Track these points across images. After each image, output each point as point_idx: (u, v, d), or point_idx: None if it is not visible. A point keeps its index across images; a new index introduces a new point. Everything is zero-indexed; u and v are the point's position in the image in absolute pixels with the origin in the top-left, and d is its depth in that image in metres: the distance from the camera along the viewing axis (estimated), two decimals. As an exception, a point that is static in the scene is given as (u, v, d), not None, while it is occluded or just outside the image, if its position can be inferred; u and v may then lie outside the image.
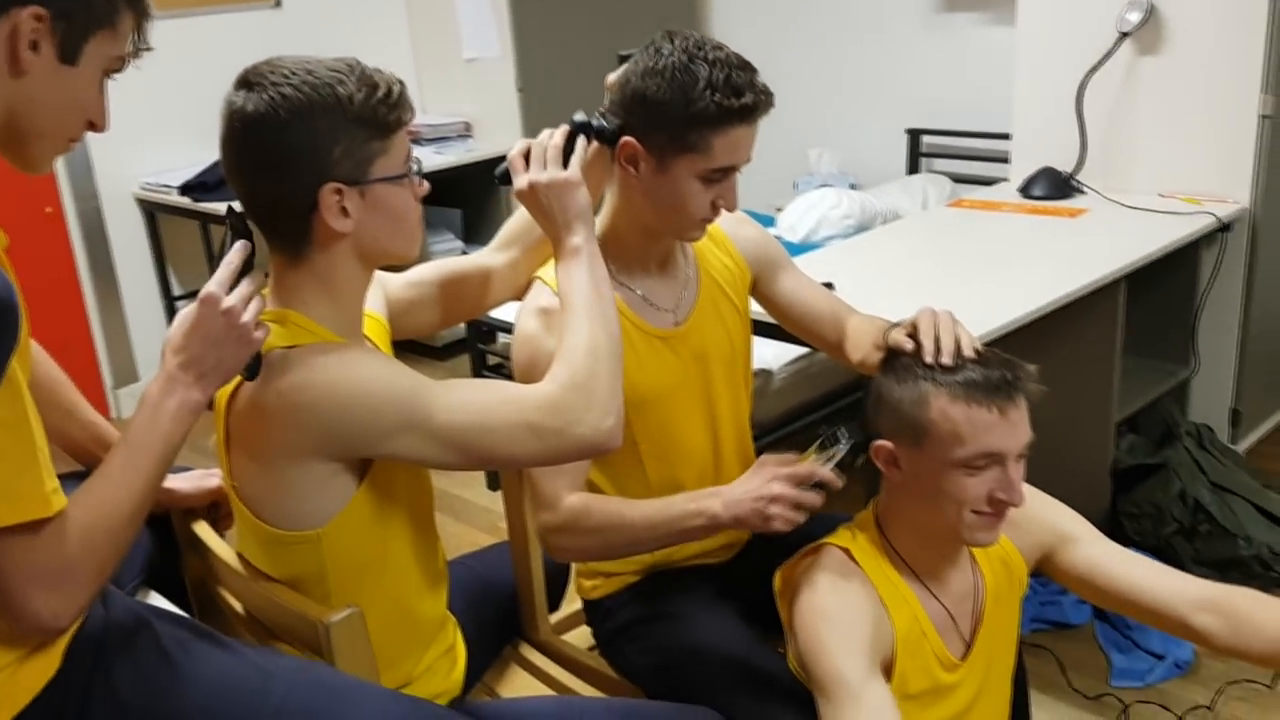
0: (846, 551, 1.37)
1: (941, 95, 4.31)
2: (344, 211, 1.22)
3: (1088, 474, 2.87)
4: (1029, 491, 1.46)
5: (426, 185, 1.32)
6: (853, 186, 4.33)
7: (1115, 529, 2.81)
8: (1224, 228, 2.89)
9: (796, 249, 3.49)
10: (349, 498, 1.25)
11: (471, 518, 3.27)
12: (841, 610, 1.31)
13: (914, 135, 4.44)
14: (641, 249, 1.57)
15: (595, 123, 1.43)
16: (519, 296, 1.57)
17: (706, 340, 1.62)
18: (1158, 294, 3.06)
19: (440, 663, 1.42)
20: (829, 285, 2.01)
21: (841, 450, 1.36)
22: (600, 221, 1.56)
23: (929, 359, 1.32)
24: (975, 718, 1.41)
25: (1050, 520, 1.47)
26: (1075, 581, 1.44)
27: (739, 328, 1.68)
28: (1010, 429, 1.29)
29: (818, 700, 1.30)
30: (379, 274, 1.46)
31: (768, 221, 4.04)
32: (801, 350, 2.87)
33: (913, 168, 4.47)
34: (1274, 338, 3.15)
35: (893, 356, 1.37)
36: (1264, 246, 2.97)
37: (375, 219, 1.24)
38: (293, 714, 1.11)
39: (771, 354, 2.92)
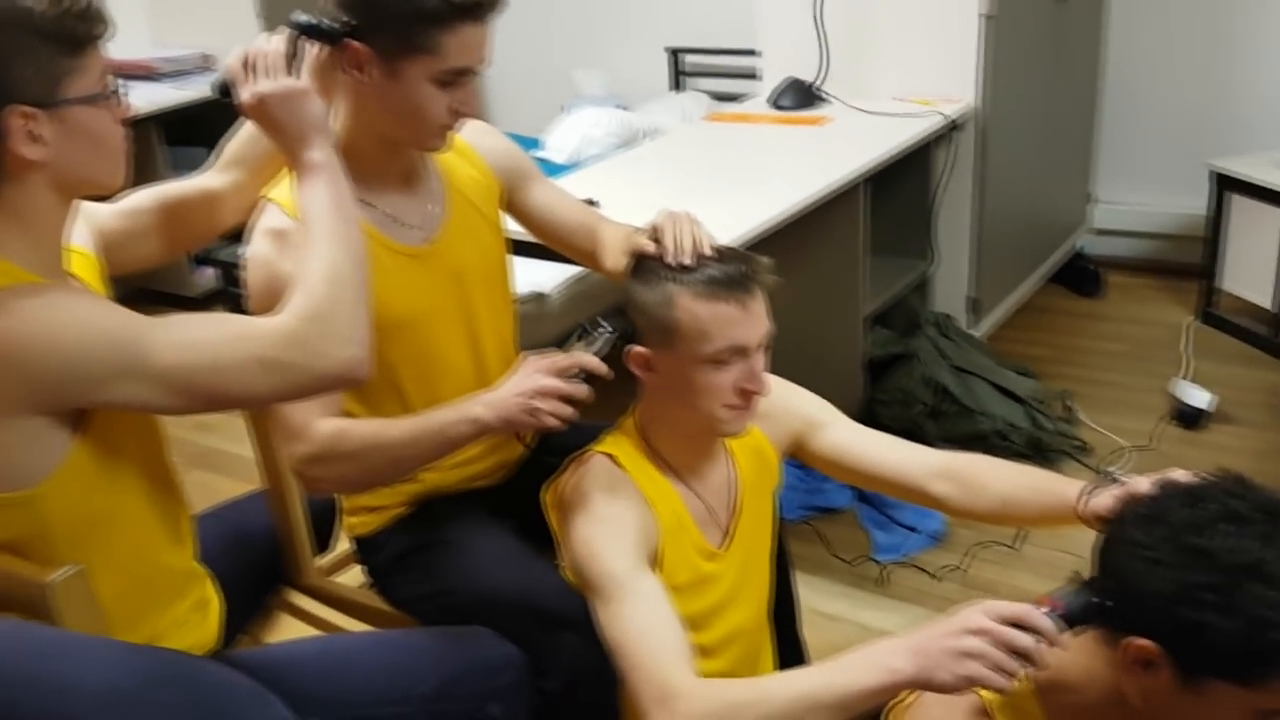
0: (611, 457, 1.39)
1: (700, 14, 4.38)
2: (35, 138, 1.10)
3: (842, 367, 3.03)
4: (778, 383, 1.52)
5: (130, 106, 1.21)
6: (620, 107, 4.34)
7: (870, 416, 2.98)
8: (953, 126, 3.07)
9: (562, 169, 3.47)
10: (65, 453, 1.14)
11: (239, 471, 3.11)
12: (610, 514, 1.33)
13: (675, 54, 4.49)
14: (381, 163, 1.50)
15: (319, 23, 1.34)
16: (248, 220, 1.47)
17: (461, 256, 1.58)
18: (897, 194, 3.23)
19: (191, 616, 1.34)
20: (592, 202, 2.00)
21: (602, 337, 1.35)
22: (335, 137, 1.48)
23: (671, 260, 1.34)
24: (738, 603, 1.47)
25: (798, 408, 1.53)
26: (825, 463, 1.52)
27: (493, 242, 1.65)
28: (751, 321, 1.33)
29: (592, 603, 1.31)
30: (85, 205, 1.33)
31: (533, 144, 3.99)
32: (575, 271, 2.86)
33: (675, 86, 4.53)
34: (1005, 229, 3.40)
35: (639, 261, 1.38)
36: (991, 142, 3.18)
37: (72, 145, 1.13)
38: (8, 684, 1.01)
39: (545, 276, 2.90)
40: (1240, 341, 3.45)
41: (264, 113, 1.29)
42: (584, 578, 1.33)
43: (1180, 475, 1.06)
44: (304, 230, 1.27)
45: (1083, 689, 1.07)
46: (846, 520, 2.79)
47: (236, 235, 1.54)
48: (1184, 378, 3.15)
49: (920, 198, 3.27)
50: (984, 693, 1.10)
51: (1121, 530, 1.01)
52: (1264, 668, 0.90)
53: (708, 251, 1.35)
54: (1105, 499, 1.13)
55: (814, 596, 2.42)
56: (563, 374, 1.34)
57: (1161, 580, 0.94)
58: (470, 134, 1.59)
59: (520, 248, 1.95)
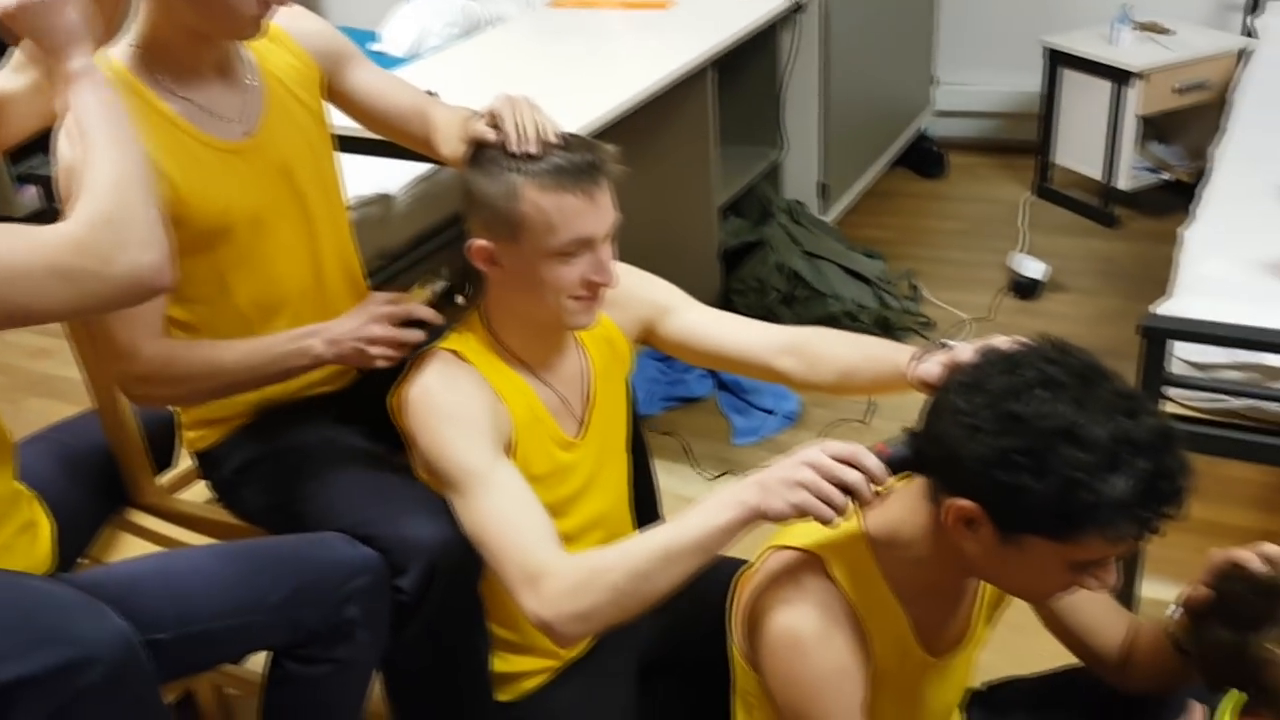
0: (455, 353, 1.36)
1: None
2: None
3: (698, 258, 3.05)
4: (625, 270, 1.50)
5: None
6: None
7: (727, 305, 3.02)
8: (797, 8, 3.06)
9: (400, 62, 3.32)
10: None
11: (77, 396, 2.95)
12: (457, 406, 1.30)
13: (512, -62, 4.30)
14: (192, 55, 1.40)
15: None
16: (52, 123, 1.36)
17: (285, 150, 1.50)
18: (745, 81, 3.22)
19: (16, 540, 1.27)
20: (432, 95, 1.92)
21: (440, 287, 1.40)
22: (139, 31, 1.39)
23: (513, 148, 1.29)
24: (596, 490, 1.48)
25: (647, 295, 1.53)
26: (675, 347, 1.52)
27: (317, 132, 1.57)
28: (598, 213, 1.30)
29: (450, 498, 1.30)
30: None
31: (368, 37, 3.80)
32: (422, 169, 2.77)
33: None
34: (851, 114, 3.44)
35: (478, 150, 1.33)
36: (835, 25, 3.18)
37: None
38: None
39: (389, 177, 2.81)
40: (1073, 213, 3.61)
41: (21, 22, 1.19)
42: (438, 474, 1.31)
43: (1001, 342, 1.10)
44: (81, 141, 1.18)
45: (915, 544, 1.13)
46: (708, 408, 2.85)
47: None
48: (1020, 251, 3.29)
49: (768, 85, 3.26)
50: (825, 554, 1.15)
51: (945, 398, 1.05)
52: (1075, 525, 0.95)
53: (552, 139, 1.31)
54: (932, 365, 1.17)
55: (676, 483, 2.47)
56: (398, 322, 1.38)
57: (980, 446, 0.97)
58: (285, 19, 1.49)
59: (360, 145, 1.88)
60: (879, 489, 1.07)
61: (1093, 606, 1.26)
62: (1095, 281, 3.21)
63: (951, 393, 1.03)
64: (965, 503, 1.01)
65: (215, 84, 1.44)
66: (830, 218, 3.43)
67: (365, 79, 1.62)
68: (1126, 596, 1.90)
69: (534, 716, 1.48)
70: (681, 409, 2.86)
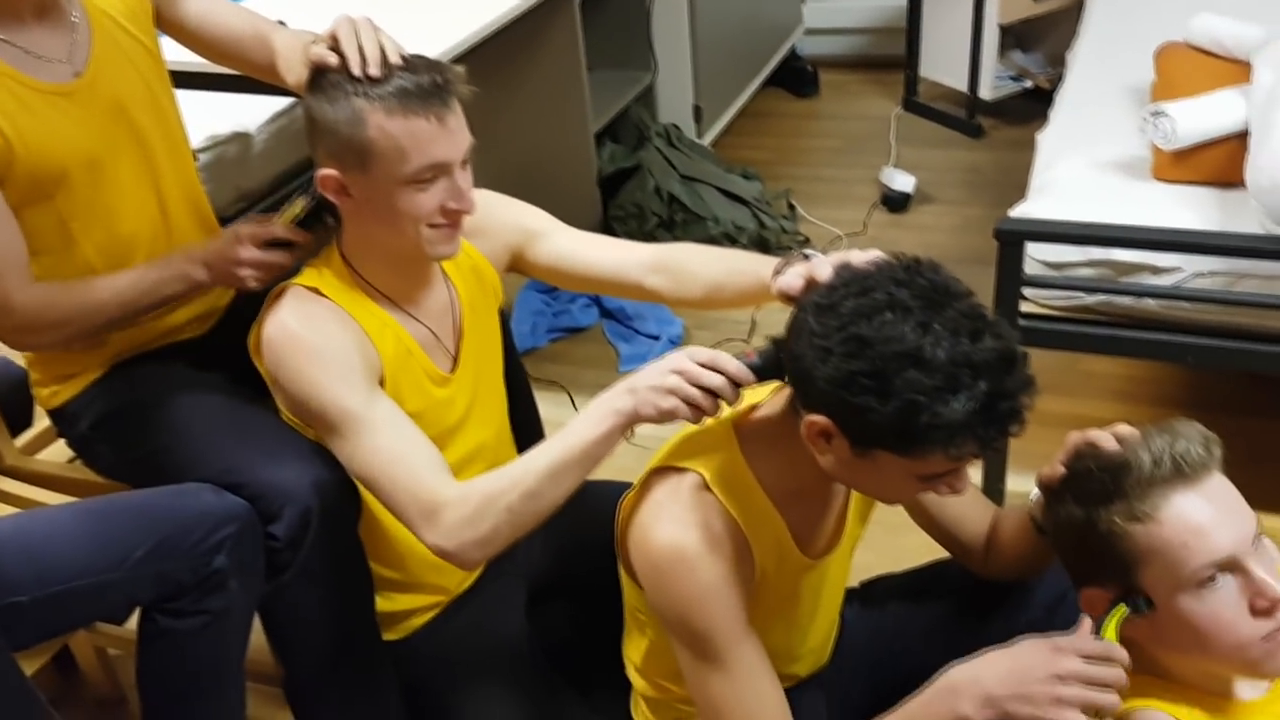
0: (314, 290, 1.32)
1: None
2: None
3: (577, 186, 3.03)
4: (489, 196, 1.48)
5: None
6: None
7: (607, 233, 2.98)
8: (660, -73, 3.02)
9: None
10: None
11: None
12: (321, 344, 1.27)
13: None
14: None
15: None
16: None
17: (118, 86, 1.43)
18: (612, 3, 3.17)
19: None
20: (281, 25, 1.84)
21: (304, 207, 1.35)
22: None
23: (355, 71, 1.24)
24: (474, 423, 1.47)
25: (513, 220, 1.50)
26: (547, 272, 1.51)
27: (152, 67, 1.49)
28: (450, 137, 1.26)
29: (328, 441, 1.28)
30: None
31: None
32: (281, 104, 2.66)
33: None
34: (722, 36, 3.42)
35: (319, 74, 1.27)
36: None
37: None
38: None
39: (246, 113, 2.69)
40: (940, 126, 3.68)
41: None
42: (311, 417, 1.29)
43: (857, 258, 1.12)
44: None
45: (786, 453, 1.16)
46: (594, 337, 2.84)
47: None
48: (890, 165, 3.34)
49: (636, 6, 3.22)
50: (702, 469, 1.17)
51: (801, 318, 1.08)
52: (917, 444, 0.99)
53: (395, 61, 1.26)
54: (793, 278, 1.19)
55: (563, 414, 2.47)
56: (262, 243, 1.36)
57: (830, 368, 1.01)
58: None
59: (213, 81, 1.79)
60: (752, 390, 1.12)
61: (957, 501, 1.31)
62: (962, 192, 3.29)
63: (807, 313, 1.06)
64: (820, 419, 1.04)
65: (35, 25, 1.36)
66: (706, 140, 3.43)
67: (196, 5, 1.54)
68: (995, 491, 1.99)
69: (424, 653, 1.48)
70: (568, 340, 2.85)
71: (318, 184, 1.29)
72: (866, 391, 0.99)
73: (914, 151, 3.51)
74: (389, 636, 1.48)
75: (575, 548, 1.47)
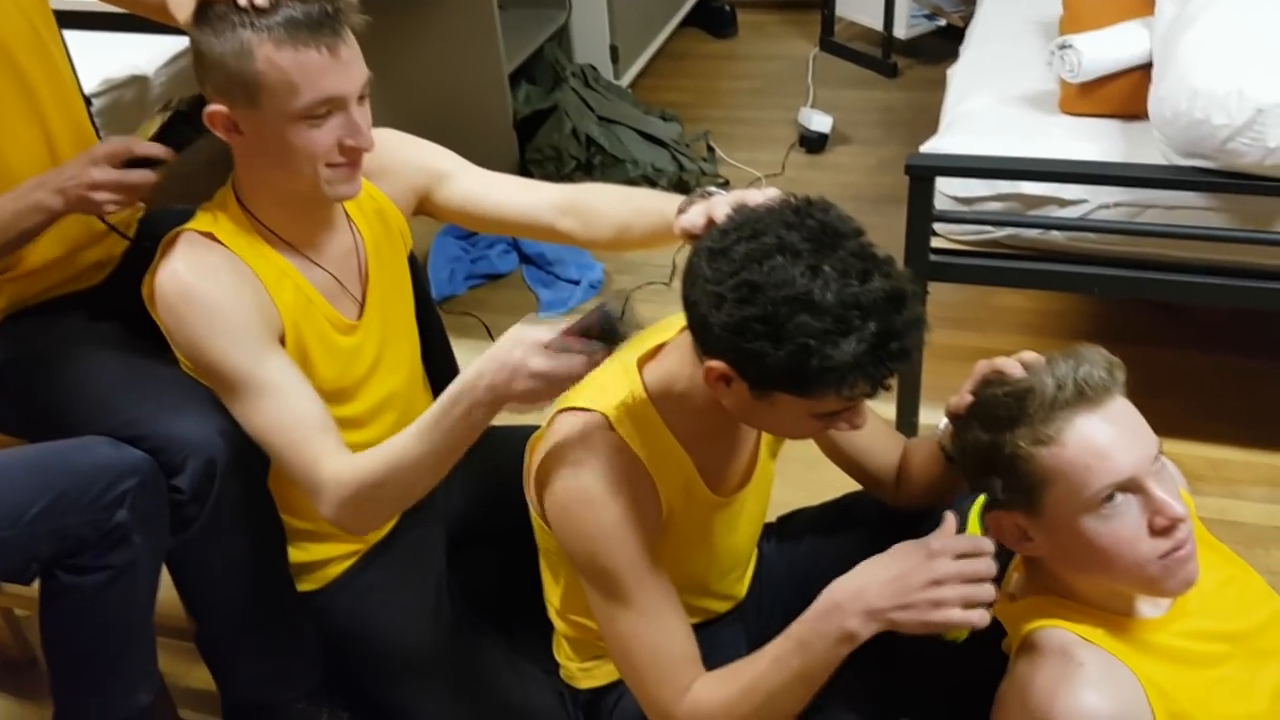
0: (209, 235, 1.27)
1: None
2: None
3: (492, 129, 2.97)
4: (393, 135, 1.44)
5: None
6: None
7: (525, 176, 2.95)
8: None
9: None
10: None
11: None
12: (214, 297, 1.23)
13: None
14: None
15: None
16: None
17: (1, 28, 1.35)
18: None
19: None
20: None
21: (167, 118, 1.30)
22: None
23: (242, 1, 1.18)
24: (384, 371, 1.44)
25: (419, 160, 1.46)
26: (455, 214, 1.47)
27: (36, 6, 1.43)
28: (343, 69, 1.21)
29: (221, 395, 1.25)
30: None
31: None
32: (179, 45, 2.57)
33: None
34: (636, -27, 3.37)
35: (204, 6, 1.21)
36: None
37: None
38: None
39: (142, 56, 2.59)
40: (856, 65, 3.68)
41: None
42: (202, 372, 1.25)
43: (754, 197, 1.12)
44: None
45: (690, 395, 1.16)
46: (514, 284, 2.81)
47: None
48: (808, 106, 3.34)
49: (549, -59, 3.16)
50: (607, 410, 1.17)
51: (695, 263, 1.07)
52: (812, 385, 1.01)
53: None
54: (695, 217, 1.18)
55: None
56: (120, 163, 1.26)
57: (724, 314, 1.01)
58: None
59: (104, 21, 1.71)
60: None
61: (864, 434, 1.32)
62: (878, 131, 3.30)
63: (700, 258, 1.06)
64: (719, 364, 1.05)
65: None
66: (624, 82, 3.39)
67: None
68: (909, 424, 2.02)
69: (340, 602, 1.47)
70: (487, 286, 2.82)
71: (205, 121, 1.23)
72: (760, 337, 1.00)
73: (831, 92, 3.51)
74: (305, 587, 1.46)
75: (493, 493, 1.45)
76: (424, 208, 1.48)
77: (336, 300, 1.37)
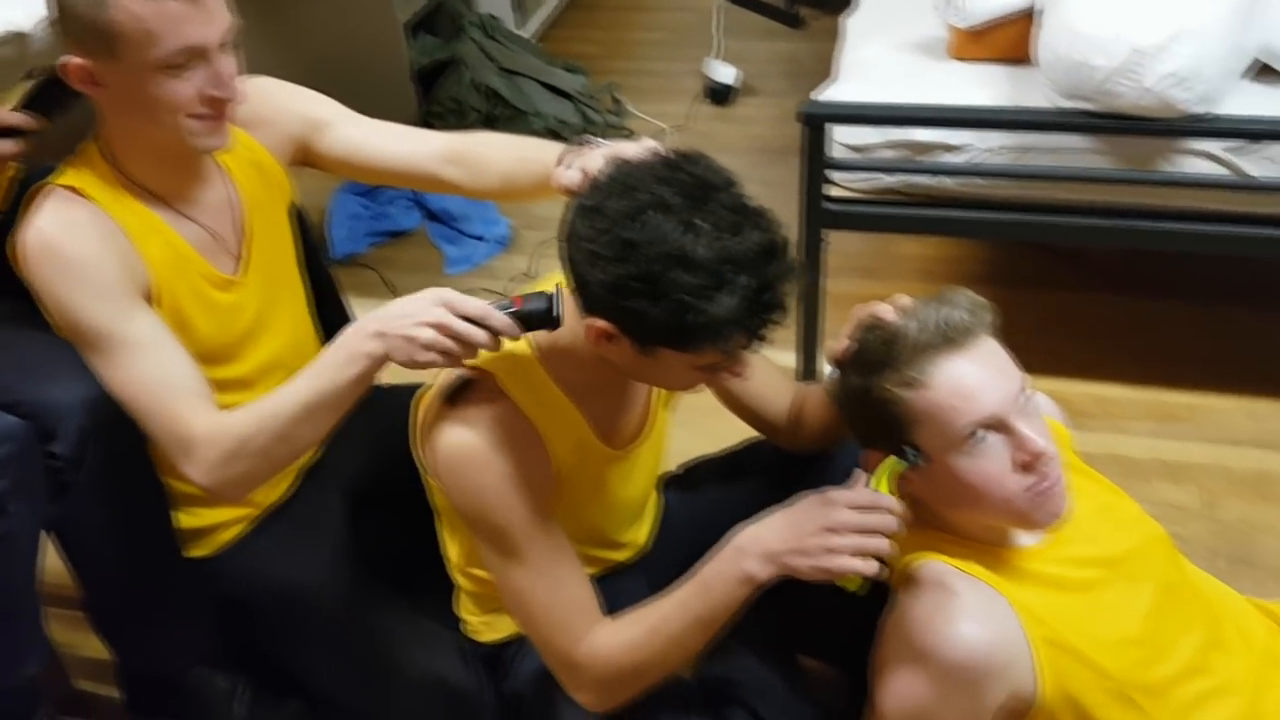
0: (74, 190, 1.22)
1: None
2: None
3: (390, 81, 2.90)
4: (270, 84, 1.40)
5: None
6: None
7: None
8: None
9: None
10: None
11: None
12: (79, 254, 1.19)
13: None
14: None
15: None
16: None
17: None
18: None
19: None
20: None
21: (21, 90, 1.24)
22: None
23: None
24: (269, 330, 1.40)
25: (297, 109, 1.42)
26: (336, 163, 1.44)
27: None
28: (205, 16, 1.17)
29: (85, 357, 1.21)
30: None
31: None
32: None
33: None
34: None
35: None
36: None
37: None
38: None
39: (19, 10, 2.45)
40: (762, 17, 3.67)
41: None
42: (68, 332, 1.21)
43: (629, 150, 1.11)
44: None
45: (577, 352, 1.16)
46: (418, 241, 2.77)
47: None
48: (714, 57, 3.33)
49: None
50: (494, 369, 1.15)
51: (571, 221, 1.06)
52: (690, 340, 1.02)
53: None
54: (573, 173, 1.17)
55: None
56: None
57: (601, 273, 1.01)
58: None
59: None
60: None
61: (756, 382, 1.34)
62: (783, 82, 3.31)
63: (576, 217, 1.05)
64: (601, 322, 1.05)
65: None
66: (529, 33, 3.34)
67: None
68: (810, 372, 2.04)
69: (233, 568, 1.44)
70: (390, 244, 2.77)
71: (60, 72, 1.18)
72: (638, 295, 1.00)
73: (738, 43, 3.50)
74: (196, 553, 1.43)
75: (388, 454, 1.43)
76: (304, 158, 1.44)
77: (212, 255, 1.33)
